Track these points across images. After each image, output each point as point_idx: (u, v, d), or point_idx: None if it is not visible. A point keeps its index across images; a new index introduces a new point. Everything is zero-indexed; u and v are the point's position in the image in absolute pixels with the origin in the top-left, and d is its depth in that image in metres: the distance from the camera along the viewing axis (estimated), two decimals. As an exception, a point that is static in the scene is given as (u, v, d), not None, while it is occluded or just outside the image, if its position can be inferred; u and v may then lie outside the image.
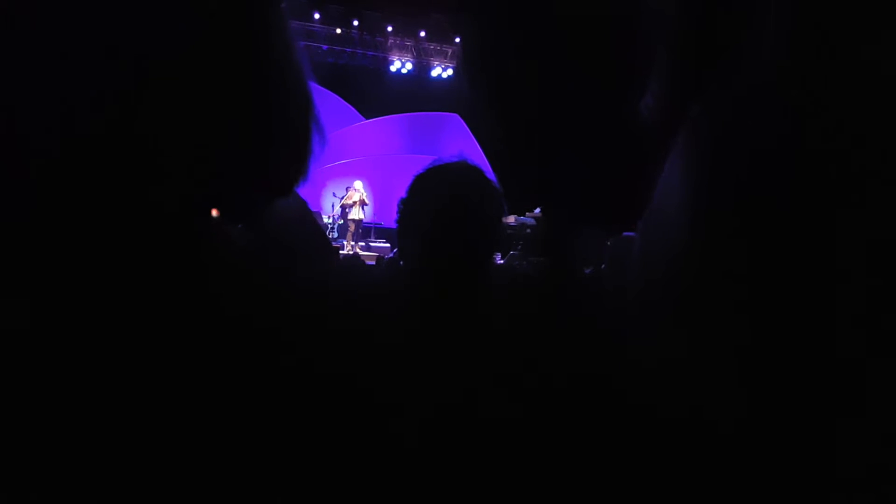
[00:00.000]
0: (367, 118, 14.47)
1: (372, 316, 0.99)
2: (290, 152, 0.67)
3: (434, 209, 1.11)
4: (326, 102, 14.19)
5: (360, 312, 0.96)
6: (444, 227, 1.09)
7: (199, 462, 0.57)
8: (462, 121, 14.47)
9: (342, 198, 12.03)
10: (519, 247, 10.69)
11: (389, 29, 14.08)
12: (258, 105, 0.61)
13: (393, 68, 14.50)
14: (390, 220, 1.24)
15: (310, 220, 1.04)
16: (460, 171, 1.17)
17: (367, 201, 11.58)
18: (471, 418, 0.92)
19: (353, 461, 0.77)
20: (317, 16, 13.45)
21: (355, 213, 11.50)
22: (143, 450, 0.54)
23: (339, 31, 13.75)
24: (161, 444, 0.55)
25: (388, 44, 14.33)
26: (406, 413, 0.90)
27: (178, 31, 0.54)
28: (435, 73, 14.72)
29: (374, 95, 14.30)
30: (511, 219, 11.79)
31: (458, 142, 14.32)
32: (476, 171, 1.17)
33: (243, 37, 0.60)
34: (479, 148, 14.27)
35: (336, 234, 12.13)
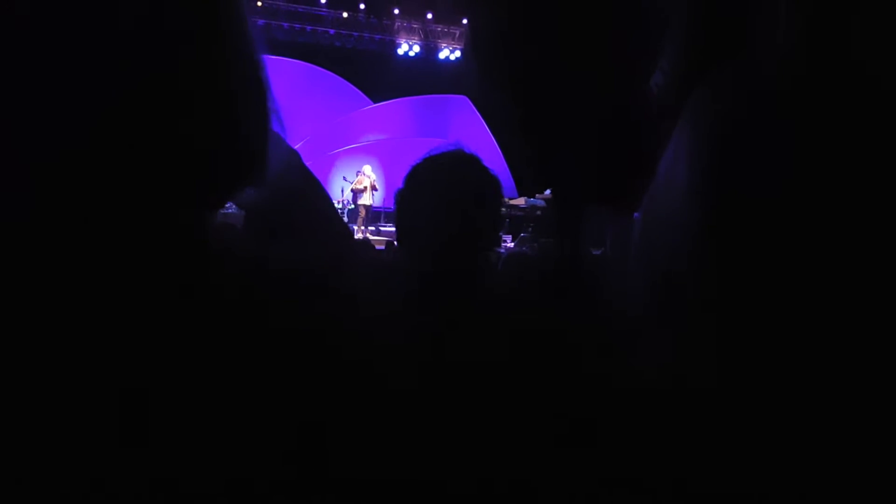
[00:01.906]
0: (375, 102, 14.43)
1: (376, 307, 0.99)
2: (249, 137, 0.63)
3: (431, 200, 1.10)
4: (334, 86, 14.16)
5: (366, 303, 0.96)
6: (441, 217, 1.09)
7: (197, 461, 0.57)
8: (470, 102, 14.39)
9: (352, 182, 12.04)
10: (530, 229, 10.68)
11: (396, 11, 13.98)
12: (218, 93, 0.59)
13: (400, 51, 14.42)
14: (400, 204, 1.24)
15: (320, 201, 1.01)
16: (456, 161, 1.16)
17: (377, 186, 11.57)
18: (472, 406, 0.93)
19: (352, 449, 0.77)
20: (323, 0, 13.37)
21: (365, 199, 11.50)
22: (141, 448, 0.54)
23: (345, 14, 13.67)
24: (159, 443, 0.55)
25: (395, 27, 14.24)
26: (407, 401, 0.90)
27: (156, 29, 0.54)
28: (443, 55, 14.62)
29: (382, 79, 14.24)
30: (521, 200, 11.76)
31: (466, 124, 14.27)
32: (472, 160, 1.16)
33: (204, 25, 0.57)
34: (488, 129, 14.25)
35: (346, 220, 12.15)
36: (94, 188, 0.53)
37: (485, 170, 1.15)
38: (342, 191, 12.31)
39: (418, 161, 1.16)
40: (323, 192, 0.99)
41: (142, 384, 0.55)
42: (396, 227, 1.18)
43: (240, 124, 0.62)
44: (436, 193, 1.11)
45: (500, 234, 1.22)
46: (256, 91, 0.64)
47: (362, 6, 13.66)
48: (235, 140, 0.61)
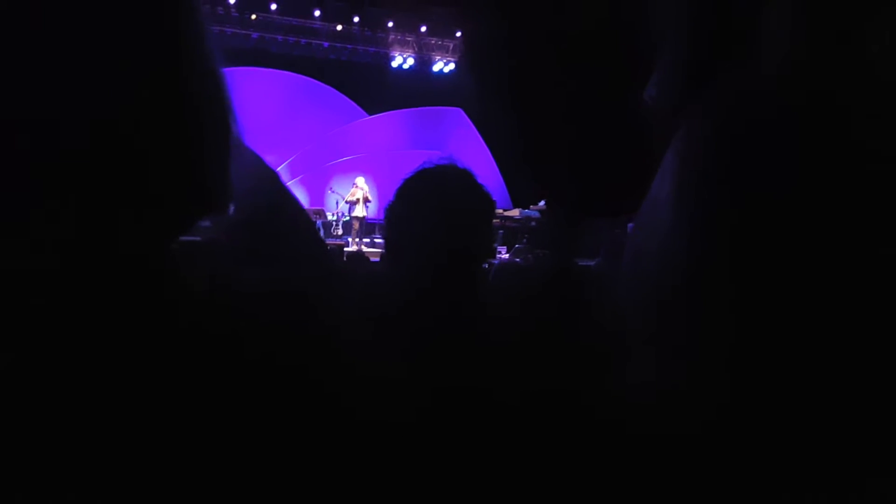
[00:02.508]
0: (370, 114, 14.46)
1: (367, 324, 0.98)
2: (209, 166, 0.60)
3: (422, 216, 1.09)
4: (329, 99, 14.19)
5: (355, 321, 0.94)
6: (432, 234, 1.07)
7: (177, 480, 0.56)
8: (465, 114, 14.43)
9: (338, 193, 12.09)
10: (525, 240, 10.70)
11: (390, 24, 14.04)
12: (175, 121, 0.56)
13: (395, 63, 14.47)
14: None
15: (299, 222, 0.98)
16: (448, 176, 1.14)
17: (370, 198, 11.57)
18: (467, 419, 0.92)
19: (343, 463, 0.76)
20: (317, 13, 13.42)
21: (359, 211, 11.49)
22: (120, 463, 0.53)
23: (339, 27, 13.72)
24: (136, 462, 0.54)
25: (390, 39, 14.29)
26: (399, 416, 0.90)
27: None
28: (437, 67, 14.68)
29: (377, 91, 14.27)
30: (516, 212, 11.78)
31: (461, 135, 14.30)
32: (464, 175, 1.14)
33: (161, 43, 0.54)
34: (483, 141, 14.24)
35: (341, 231, 12.15)
36: (43, 218, 0.51)
37: (478, 185, 1.13)
38: (337, 203, 12.31)
39: (409, 175, 1.14)
40: (302, 212, 0.97)
41: (104, 407, 0.52)
42: (386, 241, 1.16)
43: (198, 152, 0.59)
44: (427, 209, 1.09)
45: (493, 247, 1.20)
46: (216, 118, 0.61)
47: (356, 19, 13.71)
48: (194, 170, 0.58)
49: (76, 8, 0.50)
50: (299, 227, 0.94)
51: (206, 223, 0.71)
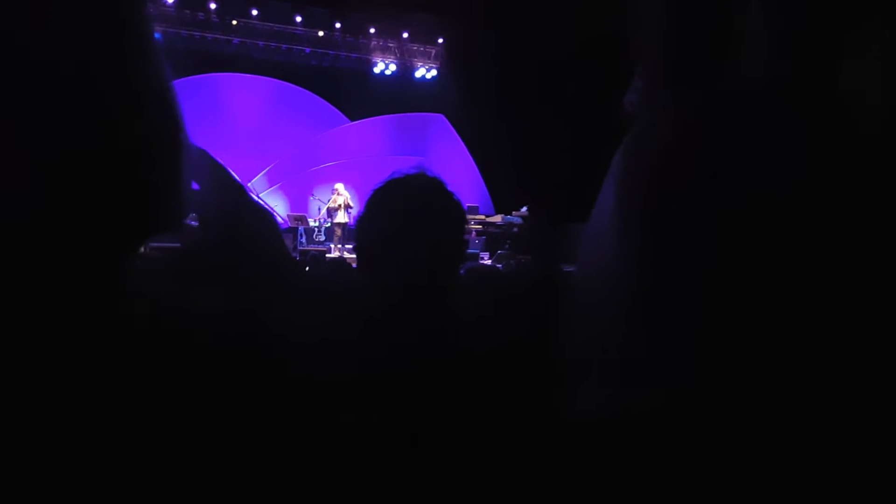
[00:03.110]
0: (352, 120, 14.44)
1: (343, 330, 0.97)
2: (161, 175, 0.58)
3: (391, 226, 1.09)
4: (311, 105, 14.15)
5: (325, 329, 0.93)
6: (403, 244, 1.07)
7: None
8: (447, 121, 14.46)
9: (321, 199, 12.07)
10: (507, 246, 10.73)
11: (372, 31, 14.04)
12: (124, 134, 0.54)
13: (377, 70, 14.46)
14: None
15: (261, 231, 0.95)
16: (418, 185, 1.14)
17: (351, 204, 11.55)
18: (445, 436, 0.92)
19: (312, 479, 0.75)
20: (298, 19, 13.39)
21: (341, 217, 11.47)
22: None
23: (321, 33, 13.69)
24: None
25: (371, 45, 14.29)
26: (373, 432, 0.89)
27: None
28: (419, 73, 14.70)
29: (359, 97, 14.26)
30: (498, 218, 11.82)
31: (443, 142, 14.32)
32: (434, 184, 1.14)
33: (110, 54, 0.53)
34: (465, 147, 14.24)
35: (324, 238, 12.13)
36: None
37: (447, 193, 1.13)
38: (319, 210, 12.28)
39: (378, 185, 1.13)
40: (271, 226, 0.95)
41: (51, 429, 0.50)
42: (356, 251, 1.15)
43: (145, 169, 0.57)
44: (396, 219, 1.08)
45: (464, 256, 1.18)
46: (165, 134, 0.59)
47: (338, 25, 13.69)
48: (140, 188, 0.56)
49: (24, 23, 0.49)
50: (266, 241, 0.93)
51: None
